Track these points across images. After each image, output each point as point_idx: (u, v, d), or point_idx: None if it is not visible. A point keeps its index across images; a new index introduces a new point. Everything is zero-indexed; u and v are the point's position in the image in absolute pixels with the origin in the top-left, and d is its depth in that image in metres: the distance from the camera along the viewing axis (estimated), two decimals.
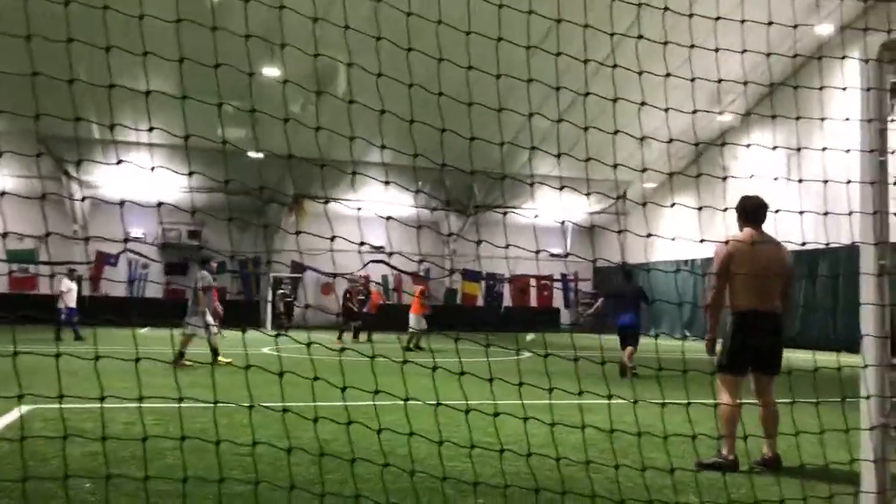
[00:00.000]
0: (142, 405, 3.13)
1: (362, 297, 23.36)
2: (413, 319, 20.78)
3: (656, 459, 5.76)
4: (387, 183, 4.41)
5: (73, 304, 21.13)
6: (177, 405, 3.44)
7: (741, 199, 6.28)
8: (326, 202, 24.20)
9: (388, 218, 3.24)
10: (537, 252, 3.43)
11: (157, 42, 3.39)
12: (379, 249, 32.03)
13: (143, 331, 24.02)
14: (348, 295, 23.39)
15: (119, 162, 3.57)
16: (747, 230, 6.24)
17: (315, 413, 3.18)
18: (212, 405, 3.24)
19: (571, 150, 4.52)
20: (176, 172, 5.04)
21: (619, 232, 3.91)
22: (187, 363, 13.25)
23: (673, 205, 3.75)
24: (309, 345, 3.66)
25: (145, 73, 4.46)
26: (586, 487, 4.75)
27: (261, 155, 25.94)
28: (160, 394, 8.09)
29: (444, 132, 3.43)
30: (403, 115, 3.47)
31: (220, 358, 13.49)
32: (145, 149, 26.97)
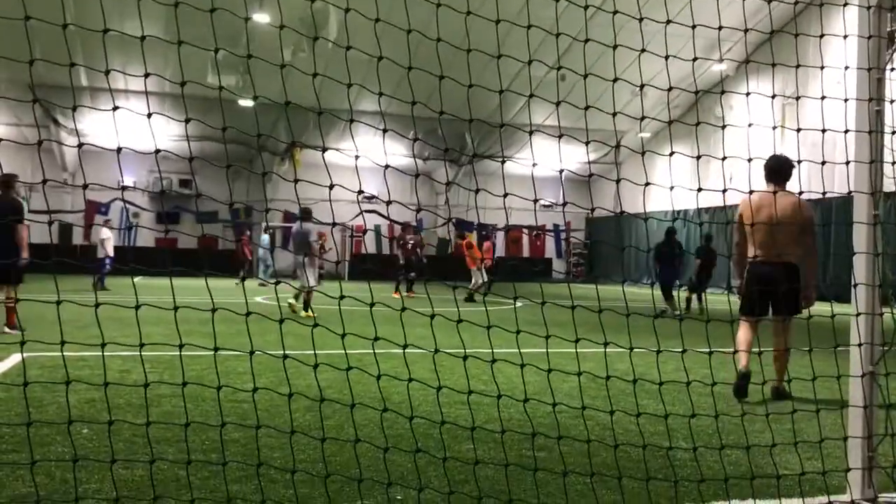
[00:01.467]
0: (142, 353, 3.14)
1: (410, 247, 22.69)
2: (474, 273, 20.74)
3: (648, 406, 5.88)
4: (384, 131, 4.42)
5: (112, 252, 21.50)
6: (174, 353, 3.45)
7: (767, 159, 6.95)
8: (325, 150, 23.94)
9: (386, 167, 3.21)
10: (535, 201, 3.42)
11: None
12: (371, 199, 31.96)
13: (137, 279, 24.05)
14: (409, 244, 22.48)
15: (115, 108, 3.55)
16: (767, 188, 6.97)
17: (315, 360, 3.20)
18: (208, 353, 3.25)
19: (566, 99, 4.48)
20: (173, 119, 5.01)
21: (617, 181, 3.89)
22: (312, 314, 13.36)
23: (672, 153, 3.73)
24: (295, 294, 3.66)
25: (140, 18, 4.38)
26: (581, 433, 4.83)
27: (251, 103, 25.68)
28: (155, 342, 8.10)
29: (442, 79, 3.40)
30: (398, 61, 3.43)
31: (309, 311, 13.95)
32: (134, 97, 26.67)
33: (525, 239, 39.50)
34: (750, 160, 3.77)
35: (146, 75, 2.89)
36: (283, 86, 3.30)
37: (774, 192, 6.91)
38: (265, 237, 29.38)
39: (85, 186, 3.13)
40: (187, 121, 2.96)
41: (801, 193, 5.52)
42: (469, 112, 3.43)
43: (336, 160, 28.00)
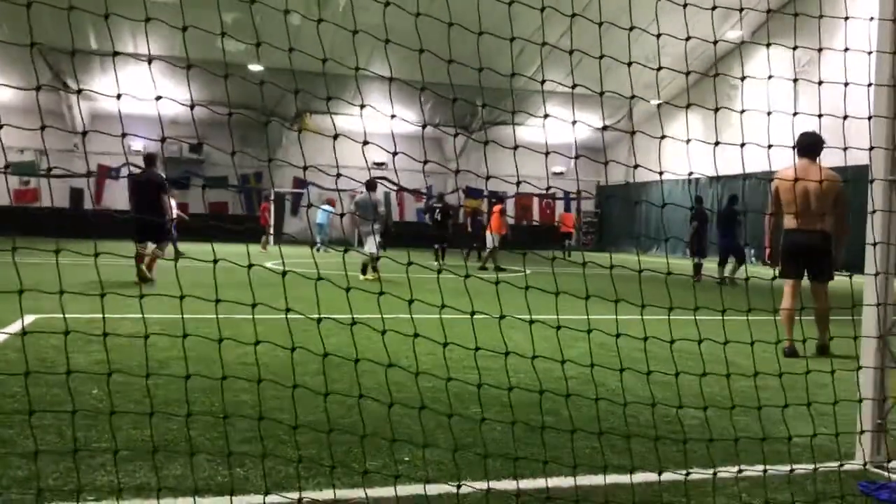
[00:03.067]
0: (154, 317, 3.11)
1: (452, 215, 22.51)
2: (489, 238, 20.17)
3: (658, 373, 5.85)
4: (391, 79, 4.36)
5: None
6: (187, 317, 3.43)
7: (800, 135, 7.50)
8: (363, 107, 23.76)
9: (394, 153, 3.15)
10: (547, 166, 3.35)
11: None
12: (380, 166, 31.85)
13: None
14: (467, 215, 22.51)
15: (150, 60, 3.50)
16: (799, 162, 7.57)
17: (319, 313, 3.17)
18: (216, 316, 3.23)
19: (578, 65, 4.38)
20: (187, 86, 4.98)
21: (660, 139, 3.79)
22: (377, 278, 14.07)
23: (689, 105, 3.63)
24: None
25: None
26: (590, 396, 4.80)
27: (261, 68, 25.50)
28: (163, 305, 8.19)
29: (480, 34, 3.31)
30: (408, 28, 3.35)
31: (368, 276, 14.95)
32: (144, 63, 26.49)
33: (535, 206, 39.34)
34: (769, 113, 3.67)
35: (152, 53, 2.82)
36: (300, 49, 3.22)
37: (803, 172, 7.41)
38: (326, 207, 28.87)
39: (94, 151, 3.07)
40: (150, 60, 2.89)
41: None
42: (479, 69, 3.35)
43: (345, 126, 27.87)
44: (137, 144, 31.49)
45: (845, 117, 3.66)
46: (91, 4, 2.86)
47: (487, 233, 20.42)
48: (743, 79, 3.68)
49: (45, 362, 5.92)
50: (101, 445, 3.88)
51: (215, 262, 3.00)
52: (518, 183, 3.77)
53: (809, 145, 7.57)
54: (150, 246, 12.81)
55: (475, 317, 3.31)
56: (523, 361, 3.86)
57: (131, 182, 14.00)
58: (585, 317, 3.60)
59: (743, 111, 3.67)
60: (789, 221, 7.66)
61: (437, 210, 23.05)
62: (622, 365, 3.64)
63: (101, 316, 2.90)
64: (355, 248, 17.07)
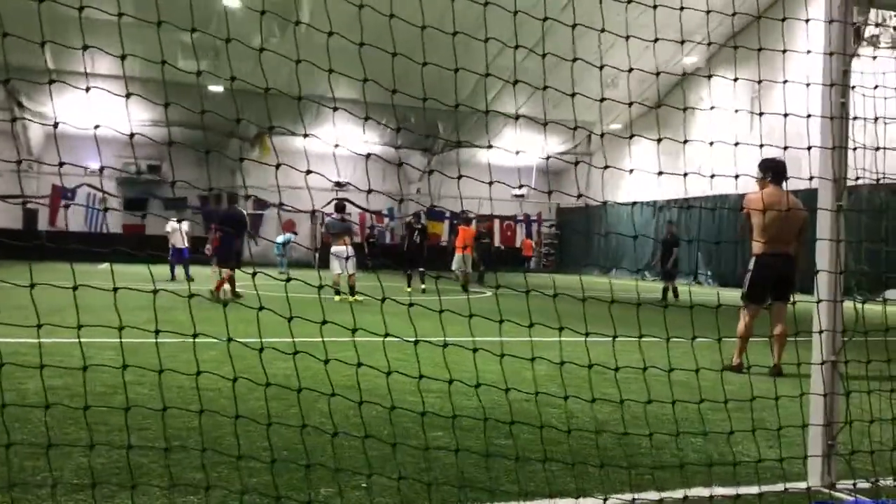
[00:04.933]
0: (106, 340, 3.05)
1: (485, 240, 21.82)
2: (456, 259, 20.43)
3: (610, 394, 5.87)
4: (366, 119, 4.37)
5: (179, 244, 21.28)
6: (138, 340, 3.38)
7: (763, 161, 7.73)
8: (306, 136, 23.61)
9: (369, 155, 3.15)
10: (520, 186, 3.34)
11: None
12: (343, 186, 31.74)
13: (103, 266, 23.71)
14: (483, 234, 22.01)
15: (88, 89, 3.47)
16: (767, 189, 7.79)
17: (293, 347, 3.12)
18: (170, 340, 3.18)
19: (536, 91, 4.41)
20: (151, 101, 4.91)
21: (604, 168, 3.82)
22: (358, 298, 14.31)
23: (660, 139, 3.67)
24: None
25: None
26: (535, 419, 4.80)
27: (221, 88, 25.39)
28: (127, 330, 7.94)
29: (424, 65, 3.32)
30: (371, 49, 3.35)
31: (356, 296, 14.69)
32: (101, 81, 26.22)
33: (496, 228, 39.50)
34: (711, 143, 3.73)
35: (122, 56, 2.78)
36: (261, 70, 3.21)
37: (775, 197, 7.58)
38: (288, 235, 28.40)
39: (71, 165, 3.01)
40: (167, 105, 2.86)
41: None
42: (423, 92, 3.36)
43: (307, 147, 27.75)
44: (94, 165, 31.06)
45: (786, 147, 3.73)
46: (49, 23, 2.81)
47: (456, 253, 20.42)
48: (685, 109, 3.73)
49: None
50: (53, 474, 3.77)
51: (155, 292, 2.94)
52: (492, 207, 3.77)
53: (782, 170, 7.73)
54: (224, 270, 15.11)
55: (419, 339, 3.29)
56: (471, 381, 3.85)
57: (217, 216, 17.32)
58: (531, 340, 3.60)
59: (685, 141, 3.72)
60: (760, 246, 7.83)
61: (416, 231, 21.00)
62: (575, 390, 3.64)
63: (49, 341, 2.82)
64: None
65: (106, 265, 24.13)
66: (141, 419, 4.86)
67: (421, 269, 19.86)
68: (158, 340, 3.13)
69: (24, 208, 31.68)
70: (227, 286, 14.94)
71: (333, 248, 15.86)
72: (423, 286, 19.34)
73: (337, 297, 15.23)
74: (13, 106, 27.90)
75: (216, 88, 25.86)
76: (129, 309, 5.42)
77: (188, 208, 32.99)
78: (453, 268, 20.37)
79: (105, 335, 8.41)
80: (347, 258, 15.37)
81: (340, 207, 15.97)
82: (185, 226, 21.81)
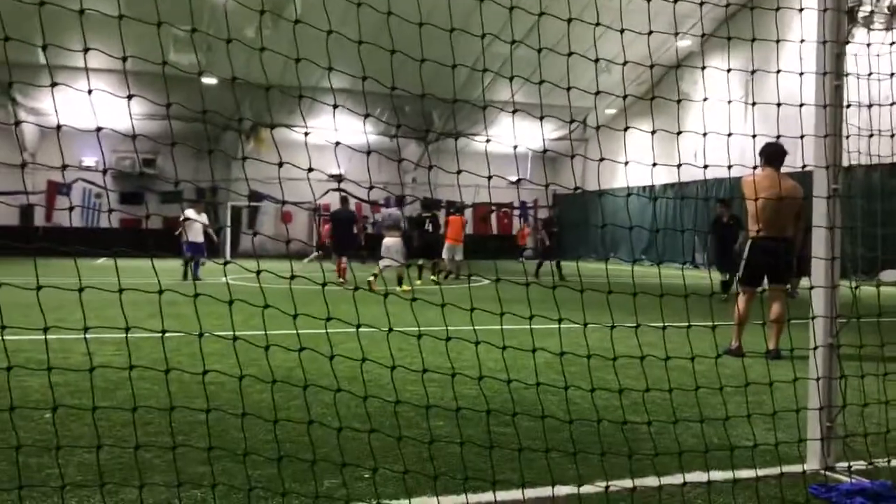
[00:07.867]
0: (106, 336, 3.08)
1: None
2: (446, 249, 20.20)
3: (610, 381, 5.91)
4: (366, 116, 4.36)
5: (195, 238, 17.76)
6: (140, 335, 3.40)
7: (764, 146, 7.65)
8: (307, 133, 23.62)
9: (370, 152, 3.17)
10: (518, 181, 3.38)
11: None
12: (338, 178, 31.70)
13: (99, 261, 23.71)
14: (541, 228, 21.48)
15: (90, 92, 3.48)
16: (767, 171, 7.66)
17: (267, 341, 3.17)
18: (172, 335, 3.21)
19: (531, 77, 4.43)
20: (146, 99, 4.94)
21: (600, 160, 3.85)
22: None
23: (654, 132, 3.69)
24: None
25: None
26: (536, 407, 4.84)
27: (215, 81, 25.33)
28: (118, 325, 7.95)
29: (423, 62, 3.34)
30: (363, 39, 3.36)
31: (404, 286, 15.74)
32: (94, 76, 26.12)
33: (493, 217, 39.51)
34: (704, 134, 3.76)
35: (124, 58, 2.81)
36: (255, 62, 3.23)
37: (770, 181, 7.54)
38: None
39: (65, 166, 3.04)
40: (169, 105, 2.89)
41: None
42: (422, 87, 3.38)
43: (301, 139, 27.73)
44: (89, 160, 31.04)
45: (778, 136, 3.76)
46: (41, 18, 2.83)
47: (447, 243, 20.22)
48: (679, 101, 3.76)
49: None
50: (55, 472, 3.81)
51: (161, 292, 2.96)
52: (491, 196, 3.80)
53: (778, 154, 7.66)
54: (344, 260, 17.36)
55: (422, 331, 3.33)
56: (472, 373, 3.89)
57: (334, 215, 18.93)
58: (530, 328, 3.64)
59: (679, 133, 3.75)
60: (756, 230, 7.81)
61: (428, 220, 20.63)
62: (575, 377, 3.67)
63: (50, 338, 2.86)
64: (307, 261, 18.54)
65: (104, 259, 24.13)
66: (144, 413, 4.91)
67: (435, 259, 19.81)
68: (161, 335, 3.17)
69: (20, 205, 31.63)
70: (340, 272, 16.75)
71: (386, 241, 16.09)
72: (433, 276, 19.27)
73: (398, 289, 15.66)
74: (7, 102, 27.82)
75: (209, 81, 25.78)
76: (130, 303, 5.38)
77: (185, 201, 32.92)
78: (444, 256, 20.23)
79: (105, 330, 8.44)
80: (399, 250, 15.83)
81: (344, 200, 17.17)
82: (203, 217, 19.14)
